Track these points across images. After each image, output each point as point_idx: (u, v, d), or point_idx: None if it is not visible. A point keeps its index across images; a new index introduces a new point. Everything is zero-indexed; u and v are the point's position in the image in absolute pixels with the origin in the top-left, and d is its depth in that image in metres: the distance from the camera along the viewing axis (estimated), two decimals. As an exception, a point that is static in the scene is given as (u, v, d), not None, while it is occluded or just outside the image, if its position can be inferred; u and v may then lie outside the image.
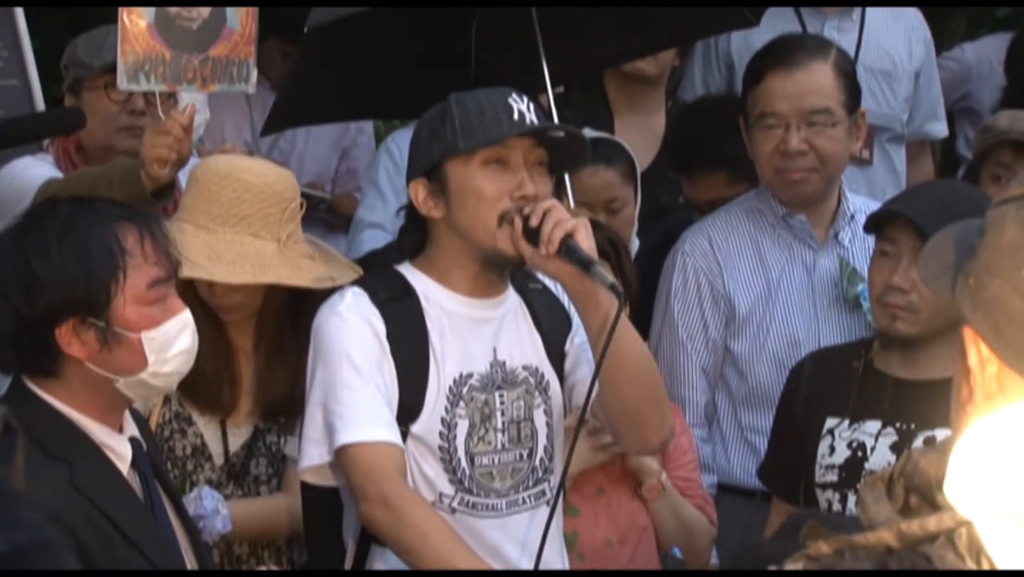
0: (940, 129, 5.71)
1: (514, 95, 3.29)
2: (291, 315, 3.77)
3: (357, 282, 3.44)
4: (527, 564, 3.31)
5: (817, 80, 4.17)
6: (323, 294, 3.52)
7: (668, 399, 3.53)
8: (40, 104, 5.39)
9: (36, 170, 4.30)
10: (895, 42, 5.46)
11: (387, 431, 3.23)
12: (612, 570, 3.86)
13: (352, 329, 3.26)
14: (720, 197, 4.60)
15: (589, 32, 4.81)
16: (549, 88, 4.49)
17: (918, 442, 3.63)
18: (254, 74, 4.00)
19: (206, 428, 3.78)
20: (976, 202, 3.46)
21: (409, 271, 3.39)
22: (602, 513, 3.89)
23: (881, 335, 3.79)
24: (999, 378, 1.61)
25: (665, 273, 4.37)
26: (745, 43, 5.15)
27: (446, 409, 3.31)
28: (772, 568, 1.61)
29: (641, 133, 5.32)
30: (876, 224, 3.79)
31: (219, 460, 3.78)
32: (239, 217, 3.69)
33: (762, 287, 4.28)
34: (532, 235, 3.23)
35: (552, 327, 3.46)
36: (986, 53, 6.59)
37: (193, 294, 3.60)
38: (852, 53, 5.05)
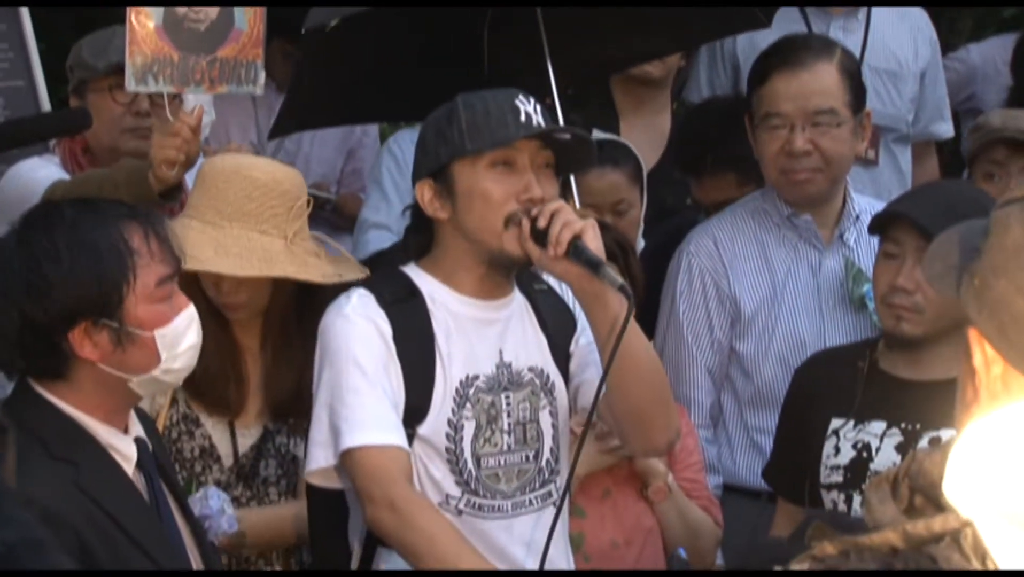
0: (946, 129, 5.72)
1: (521, 96, 3.29)
2: (298, 314, 3.77)
3: (363, 283, 3.43)
4: (533, 565, 3.31)
5: (822, 80, 4.17)
6: (329, 293, 3.52)
7: (674, 400, 3.53)
8: (46, 105, 5.40)
9: (43, 172, 4.30)
10: (901, 42, 5.46)
11: (393, 435, 3.22)
12: (618, 570, 3.87)
13: (359, 331, 3.26)
14: (729, 199, 4.58)
15: (605, 34, 4.82)
16: (555, 89, 4.49)
17: (923, 443, 3.63)
18: (262, 76, 4.01)
19: (214, 429, 3.77)
20: (980, 203, 3.47)
21: (415, 272, 3.39)
22: (608, 515, 3.90)
23: (886, 336, 3.79)
24: (1004, 378, 1.61)
25: (670, 274, 4.37)
26: (751, 44, 5.15)
27: (453, 411, 3.31)
28: (777, 568, 1.62)
29: (646, 134, 5.32)
30: (880, 225, 3.79)
31: (228, 461, 3.77)
32: (246, 213, 3.69)
33: (767, 288, 4.28)
34: (540, 236, 3.22)
35: (557, 328, 3.45)
36: (992, 54, 6.60)
37: (199, 293, 3.60)
38: (858, 53, 5.06)
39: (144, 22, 3.88)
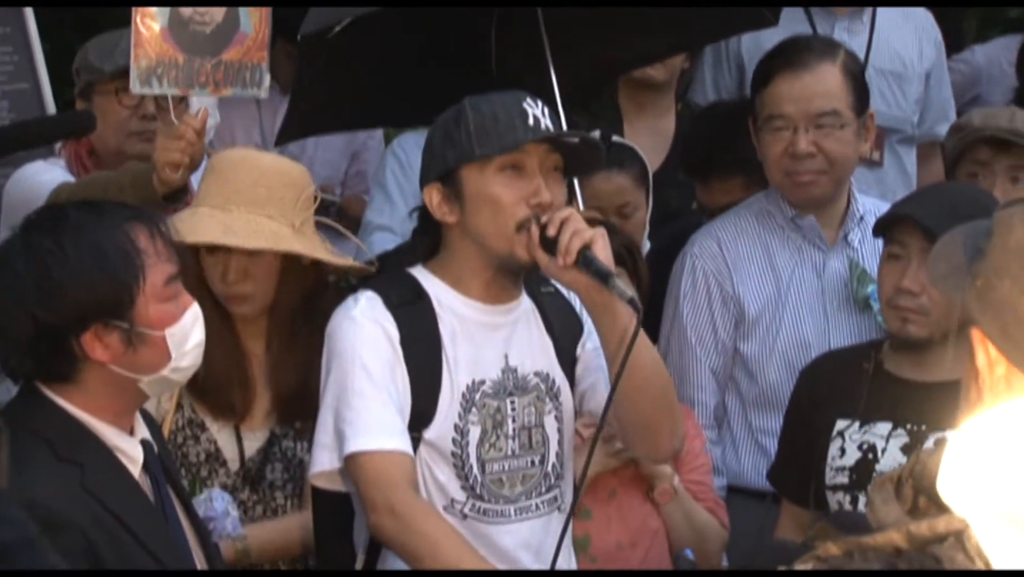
0: (951, 130, 5.71)
1: (528, 99, 3.28)
2: (303, 316, 3.76)
3: (370, 285, 3.42)
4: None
5: (825, 82, 4.17)
6: (335, 295, 3.52)
7: (679, 408, 3.52)
8: (51, 107, 5.41)
9: (48, 175, 4.31)
10: (905, 43, 5.46)
11: (397, 440, 3.21)
12: (624, 571, 3.87)
13: (366, 335, 3.26)
14: (736, 202, 4.56)
15: (607, 35, 4.81)
16: (557, 91, 4.48)
17: (929, 444, 3.62)
18: (267, 79, 4.01)
19: (219, 433, 3.77)
20: (984, 203, 3.46)
21: (422, 274, 3.38)
22: (614, 516, 3.90)
23: (892, 337, 3.79)
24: (1007, 379, 1.61)
25: (674, 275, 4.37)
26: (755, 45, 5.15)
27: (459, 415, 3.30)
28: (781, 568, 1.62)
29: (651, 136, 5.31)
30: (885, 227, 3.79)
31: (234, 465, 3.77)
32: (254, 199, 3.70)
33: (771, 289, 4.28)
34: (549, 244, 3.20)
35: (563, 332, 3.44)
36: (996, 55, 6.59)
37: (204, 295, 3.60)
38: (862, 55, 5.06)
39: (149, 24, 3.88)
